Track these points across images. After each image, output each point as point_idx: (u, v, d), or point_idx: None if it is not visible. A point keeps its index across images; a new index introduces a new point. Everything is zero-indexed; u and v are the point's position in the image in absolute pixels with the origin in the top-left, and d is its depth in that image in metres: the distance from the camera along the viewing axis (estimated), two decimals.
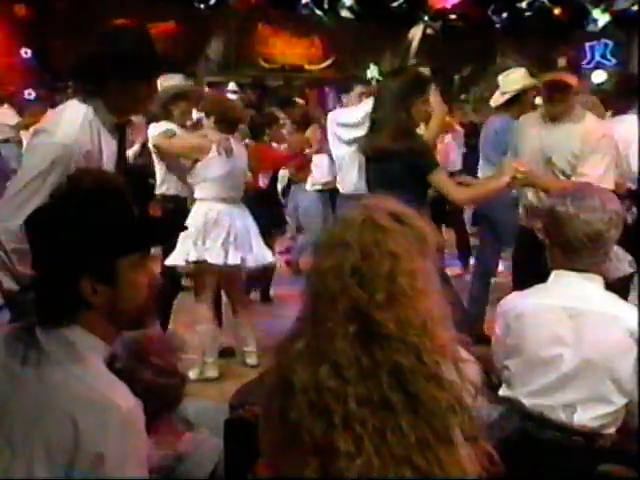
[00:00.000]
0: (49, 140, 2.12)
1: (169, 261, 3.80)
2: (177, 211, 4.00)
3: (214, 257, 3.72)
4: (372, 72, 13.64)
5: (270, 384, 1.24)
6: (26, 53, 10.36)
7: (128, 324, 1.36)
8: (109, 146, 2.23)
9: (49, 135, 2.13)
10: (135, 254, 1.30)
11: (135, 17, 10.61)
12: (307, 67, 12.80)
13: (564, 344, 1.85)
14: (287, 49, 12.58)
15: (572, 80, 3.15)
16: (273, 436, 1.21)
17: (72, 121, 2.15)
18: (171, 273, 3.87)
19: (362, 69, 13.56)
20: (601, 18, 13.17)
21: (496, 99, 4.50)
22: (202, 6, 11.56)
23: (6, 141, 7.74)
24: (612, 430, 1.86)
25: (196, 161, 3.81)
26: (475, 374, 1.25)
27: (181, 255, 3.74)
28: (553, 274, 1.97)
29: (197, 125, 4.50)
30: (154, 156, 4.14)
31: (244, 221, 3.87)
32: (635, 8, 12.50)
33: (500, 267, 5.29)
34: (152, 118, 4.20)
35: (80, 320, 1.26)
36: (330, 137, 4.65)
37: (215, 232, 3.74)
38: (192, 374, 3.70)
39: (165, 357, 1.82)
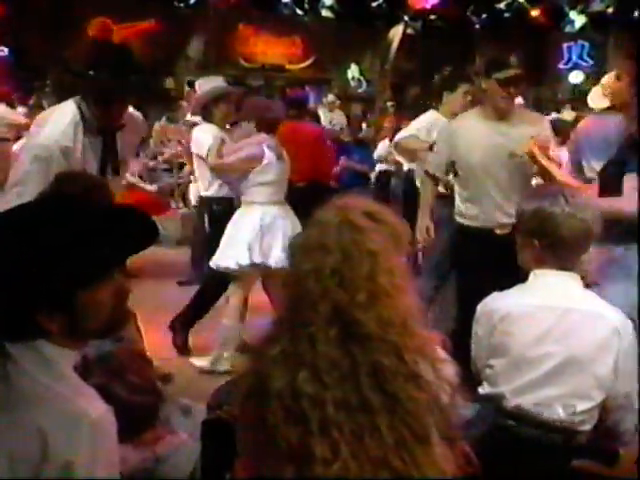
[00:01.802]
0: (32, 142, 2.28)
1: (221, 263, 3.80)
2: (226, 212, 4.02)
3: (275, 261, 3.71)
4: (353, 72, 13.68)
5: (245, 389, 1.23)
6: (2, 51, 10.23)
7: (95, 336, 1.30)
8: (93, 146, 2.29)
9: (33, 137, 2.27)
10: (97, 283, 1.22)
11: (115, 16, 10.56)
12: (288, 67, 12.79)
13: (551, 342, 1.88)
14: (268, 49, 12.56)
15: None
16: (249, 440, 1.21)
17: (58, 121, 2.28)
18: (220, 275, 3.87)
19: (343, 69, 13.59)
20: (578, 20, 13.33)
21: (599, 100, 4.12)
22: (182, 5, 11.50)
23: (3, 140, 7.60)
24: (589, 427, 1.89)
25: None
26: (452, 374, 1.26)
27: (233, 258, 3.73)
28: (533, 274, 1.99)
29: (235, 125, 4.52)
30: (200, 160, 4.12)
31: (293, 222, 3.88)
32: (610, 10, 12.69)
33: None
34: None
35: (43, 336, 1.21)
36: None
37: (270, 236, 3.75)
38: (204, 362, 3.79)
39: (143, 374, 1.80)
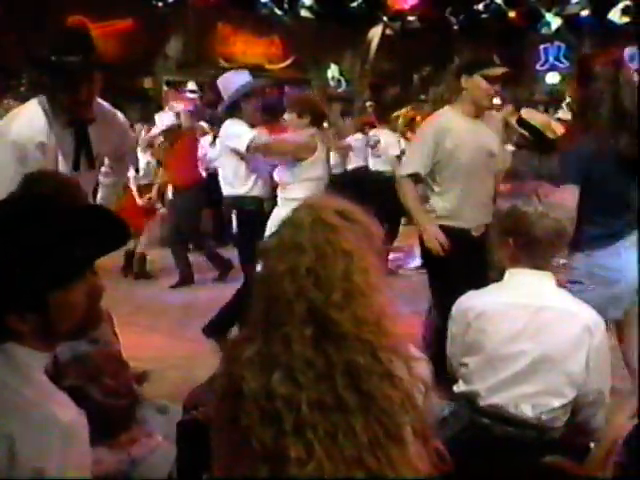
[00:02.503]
0: (2, 141, 2.23)
1: None
2: (257, 213, 3.95)
3: None
4: (332, 72, 13.70)
5: (219, 391, 1.22)
6: None
7: (67, 337, 1.29)
8: (64, 141, 2.28)
9: (2, 135, 2.24)
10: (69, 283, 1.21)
11: (92, 15, 10.44)
12: (267, 66, 12.75)
13: (525, 340, 1.90)
14: (247, 48, 12.51)
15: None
16: (224, 442, 1.20)
17: (26, 118, 2.30)
18: None
19: (322, 69, 13.60)
20: (554, 21, 13.49)
21: None
22: (160, 4, 11.41)
23: None
24: (561, 423, 1.92)
25: (292, 160, 3.76)
26: (426, 372, 1.27)
27: None
28: (508, 272, 2.01)
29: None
30: (232, 157, 3.96)
31: None
32: (585, 13, 12.88)
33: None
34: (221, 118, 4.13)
35: (14, 338, 1.19)
36: None
37: None
38: None
39: (118, 377, 1.79)
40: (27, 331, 1.18)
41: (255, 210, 3.96)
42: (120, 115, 2.84)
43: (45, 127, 2.23)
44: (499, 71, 3.18)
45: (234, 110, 3.99)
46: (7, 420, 1.13)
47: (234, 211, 4.16)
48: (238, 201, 4.04)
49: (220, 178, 4.15)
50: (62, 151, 2.28)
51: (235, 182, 4.02)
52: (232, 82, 4.04)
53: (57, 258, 1.18)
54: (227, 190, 4.07)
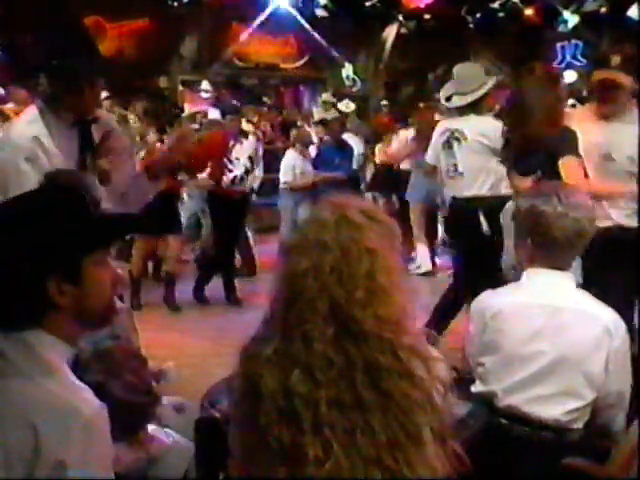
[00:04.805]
0: (7, 143, 2.32)
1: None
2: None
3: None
4: (347, 71, 13.69)
5: (237, 390, 1.23)
6: None
7: (92, 324, 1.33)
8: (68, 141, 2.30)
9: (6, 139, 2.36)
10: (99, 252, 1.29)
11: (108, 14, 10.52)
12: (282, 66, 12.77)
13: (542, 340, 1.89)
14: (261, 48, 12.52)
15: (625, 80, 2.97)
16: (242, 441, 1.21)
17: (24, 118, 2.34)
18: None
19: (337, 68, 13.60)
20: (571, 19, 13.36)
21: None
22: (175, 4, 11.46)
23: None
24: (580, 425, 1.90)
25: None
26: (444, 372, 1.26)
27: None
28: (526, 272, 2.00)
29: None
30: (489, 156, 3.84)
31: None
32: (603, 10, 12.74)
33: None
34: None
35: (44, 322, 1.23)
36: None
37: None
38: None
39: (140, 374, 1.81)
40: (64, 305, 1.23)
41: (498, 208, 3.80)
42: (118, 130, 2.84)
43: (39, 125, 2.27)
44: (595, 77, 3.06)
45: (475, 105, 3.91)
46: (31, 411, 1.16)
47: (482, 212, 3.87)
48: (501, 200, 3.73)
49: (466, 179, 3.97)
50: (65, 152, 2.29)
51: (500, 183, 3.85)
52: (474, 76, 3.96)
53: (91, 225, 1.29)
54: (483, 190, 3.90)
